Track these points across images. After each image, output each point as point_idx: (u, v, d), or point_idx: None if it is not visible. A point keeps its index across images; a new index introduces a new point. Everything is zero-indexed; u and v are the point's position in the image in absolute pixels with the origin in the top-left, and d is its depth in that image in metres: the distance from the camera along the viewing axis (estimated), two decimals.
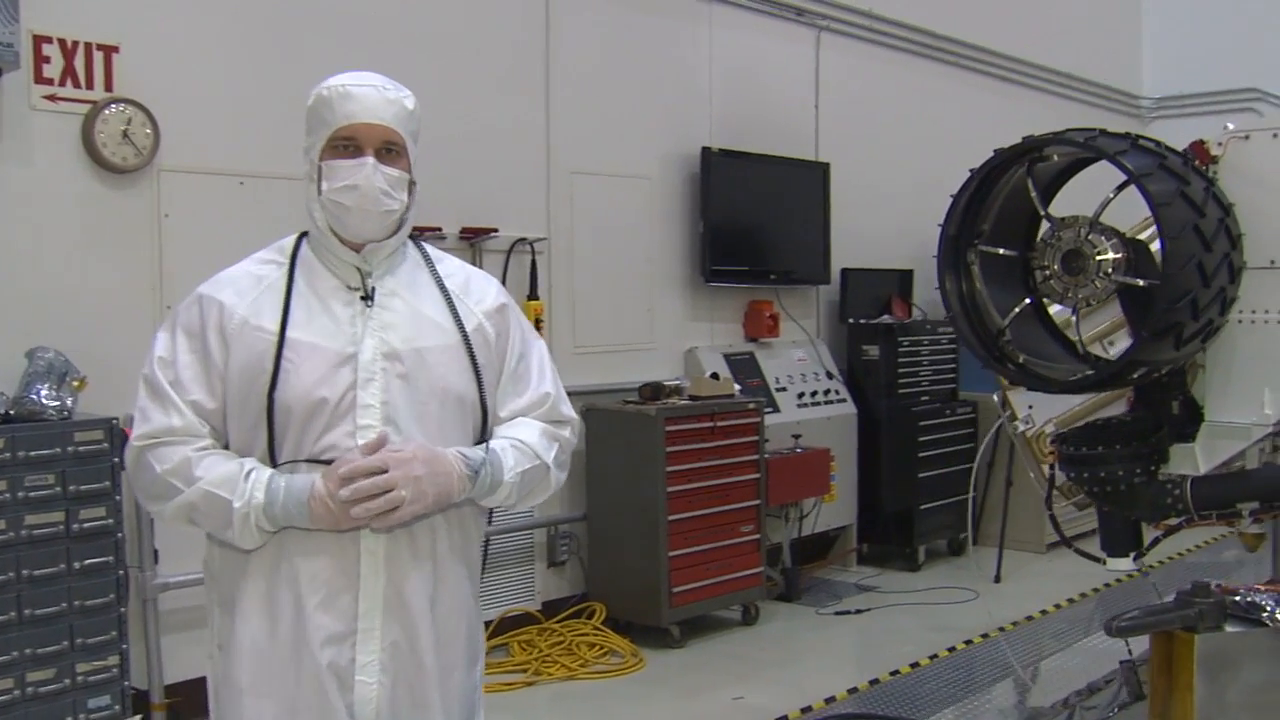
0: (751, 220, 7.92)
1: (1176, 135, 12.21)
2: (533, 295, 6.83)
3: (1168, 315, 3.65)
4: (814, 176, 8.35)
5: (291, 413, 2.52)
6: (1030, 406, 4.71)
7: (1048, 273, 3.92)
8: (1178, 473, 3.93)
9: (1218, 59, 11.36)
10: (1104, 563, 4.10)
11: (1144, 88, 12.11)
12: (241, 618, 2.60)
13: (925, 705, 5.93)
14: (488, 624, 6.23)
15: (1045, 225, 3.99)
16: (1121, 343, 4.33)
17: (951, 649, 6.78)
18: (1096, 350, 4.35)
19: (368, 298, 2.62)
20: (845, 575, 8.28)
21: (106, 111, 5.18)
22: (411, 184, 2.67)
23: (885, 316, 8.61)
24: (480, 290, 2.80)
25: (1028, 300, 4.05)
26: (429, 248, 2.84)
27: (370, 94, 2.59)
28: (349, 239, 2.63)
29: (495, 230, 6.66)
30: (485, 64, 6.73)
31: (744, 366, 7.92)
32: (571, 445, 2.87)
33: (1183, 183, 3.72)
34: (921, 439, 8.33)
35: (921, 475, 8.30)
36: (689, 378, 7.39)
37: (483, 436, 2.70)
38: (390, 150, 2.60)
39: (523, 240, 6.84)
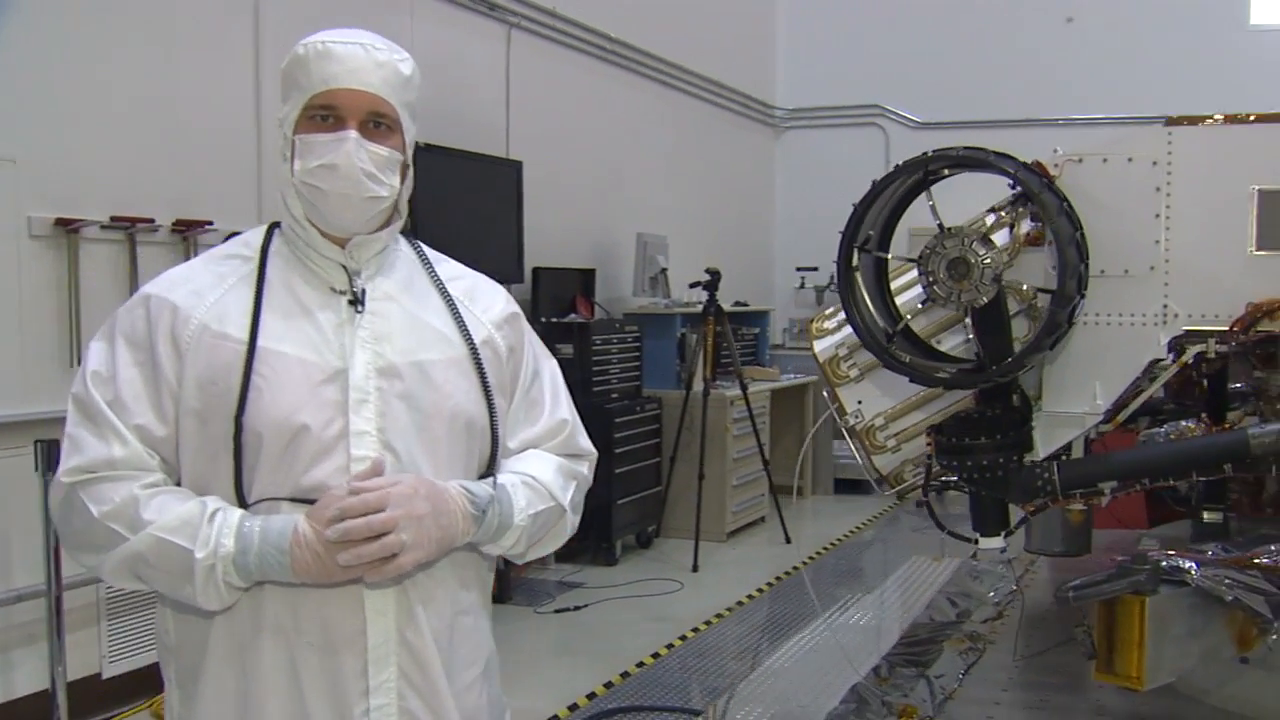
0: (454, 217, 7.80)
1: (808, 146, 13.39)
2: None
3: (1057, 319, 4.11)
4: (509, 174, 8.36)
5: (264, 441, 2.06)
6: (860, 401, 5.06)
7: (932, 278, 4.25)
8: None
9: (845, 75, 12.28)
10: (976, 543, 4.52)
11: (778, 98, 12.78)
12: (206, 708, 2.11)
13: (685, 693, 6.14)
14: (142, 671, 5.64)
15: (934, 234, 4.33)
16: (950, 341, 4.79)
17: (683, 637, 7.04)
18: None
19: (356, 301, 2.18)
20: (545, 574, 8.35)
21: None
22: (405, 167, 2.24)
23: (572, 315, 8.77)
24: (488, 297, 2.38)
25: (920, 305, 4.39)
26: (425, 247, 2.42)
27: (355, 53, 2.14)
28: (330, 231, 2.19)
29: (210, 223, 6.18)
30: (192, 44, 6.19)
31: None
32: (588, 484, 2.45)
33: (1062, 200, 4.19)
34: (616, 435, 8.56)
35: (617, 471, 8.53)
36: None
37: (489, 470, 2.28)
38: (379, 124, 2.16)
39: (238, 234, 6.37)
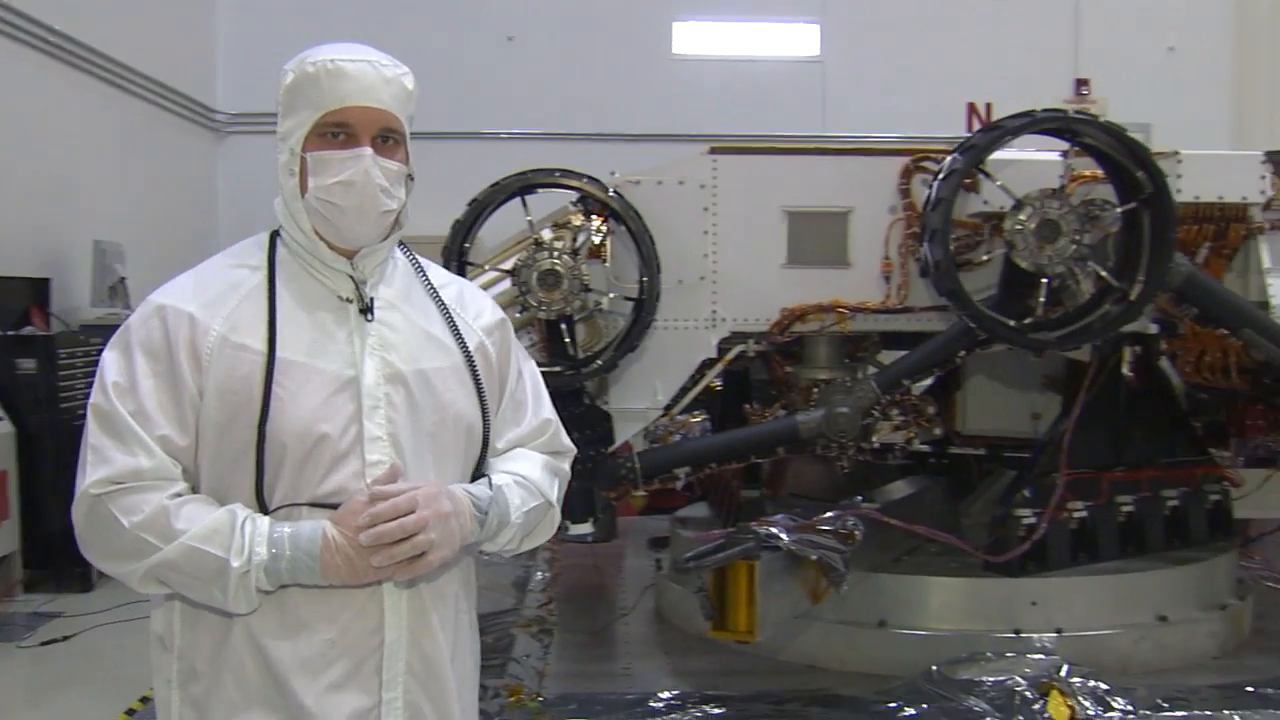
0: None
1: (253, 152, 12.87)
2: None
3: (646, 323, 4.63)
4: None
5: (286, 449, 2.10)
6: None
7: (525, 289, 4.60)
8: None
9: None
10: (566, 529, 4.89)
11: (219, 101, 12.15)
12: (220, 709, 2.13)
13: None
14: None
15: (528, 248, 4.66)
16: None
17: None
18: None
19: (366, 311, 2.22)
20: (14, 606, 7.59)
21: None
22: (409, 179, 2.28)
23: (28, 328, 8.05)
24: (476, 304, 2.42)
25: (519, 314, 4.69)
26: (415, 254, 2.43)
27: (366, 71, 2.20)
28: (339, 244, 2.22)
29: None
30: None
31: None
32: (568, 479, 2.51)
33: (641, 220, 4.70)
34: None
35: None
36: None
37: (478, 470, 2.34)
38: (388, 139, 2.21)
39: None
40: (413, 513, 2.05)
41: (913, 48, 11.68)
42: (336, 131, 2.18)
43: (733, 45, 12.13)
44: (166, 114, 10.94)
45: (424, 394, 2.23)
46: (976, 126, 11.63)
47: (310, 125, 2.17)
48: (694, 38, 12.20)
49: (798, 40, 12.13)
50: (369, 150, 2.17)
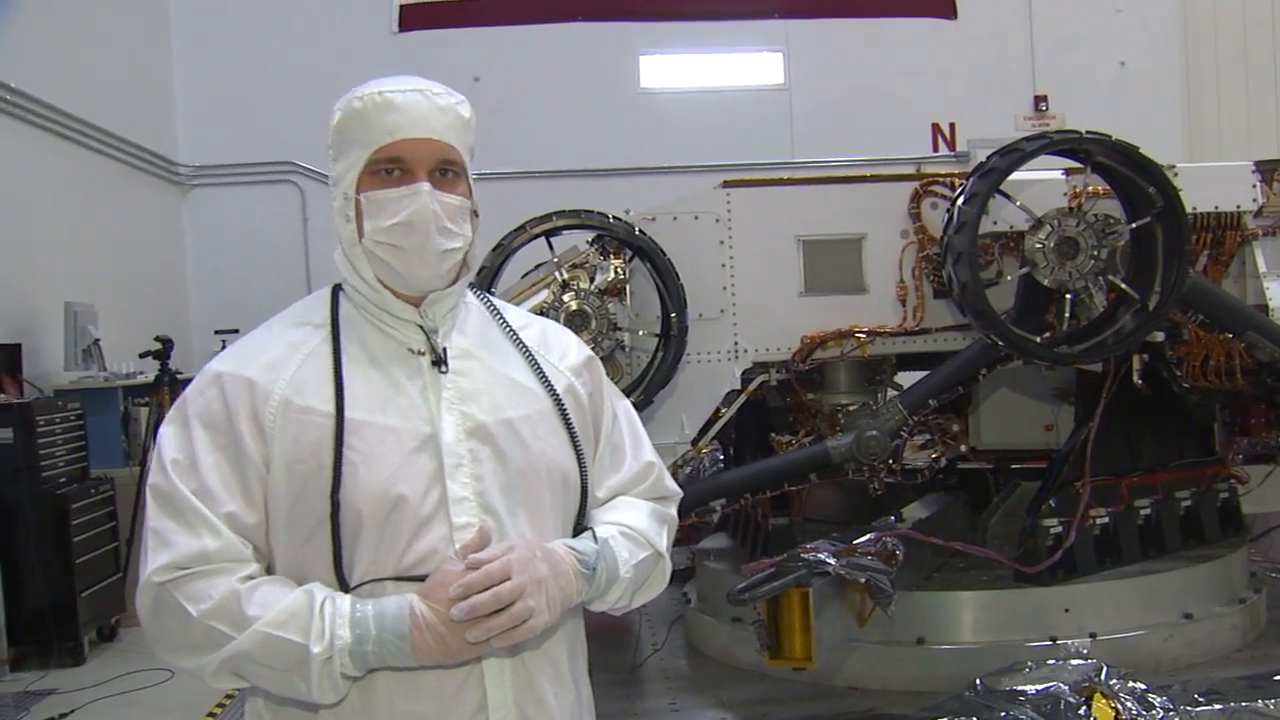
0: None
1: (218, 204, 12.66)
2: None
3: (679, 356, 4.70)
4: None
5: (363, 517, 1.94)
6: None
7: None
8: None
9: (253, 131, 11.74)
10: None
11: (180, 154, 11.95)
12: None
13: None
14: None
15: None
16: None
17: None
18: None
19: (440, 362, 2.07)
20: (4, 685, 7.42)
21: None
22: (473, 214, 2.13)
23: (1, 395, 7.92)
24: (561, 344, 2.26)
25: None
26: (490, 296, 2.29)
27: (417, 101, 2.06)
28: (404, 291, 2.08)
29: None
30: None
31: None
32: (675, 526, 2.31)
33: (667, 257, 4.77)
34: (74, 523, 7.84)
35: (78, 562, 7.81)
36: None
37: (579, 522, 2.16)
38: (447, 172, 2.07)
39: None
40: (508, 579, 1.90)
41: (874, 72, 11.93)
42: (390, 168, 2.05)
43: (699, 77, 12.33)
44: (129, 168, 10.72)
45: (511, 445, 2.07)
46: (942, 146, 12.03)
47: (362, 164, 2.05)
48: (661, 71, 12.37)
49: (762, 69, 12.36)
50: (426, 185, 2.04)
